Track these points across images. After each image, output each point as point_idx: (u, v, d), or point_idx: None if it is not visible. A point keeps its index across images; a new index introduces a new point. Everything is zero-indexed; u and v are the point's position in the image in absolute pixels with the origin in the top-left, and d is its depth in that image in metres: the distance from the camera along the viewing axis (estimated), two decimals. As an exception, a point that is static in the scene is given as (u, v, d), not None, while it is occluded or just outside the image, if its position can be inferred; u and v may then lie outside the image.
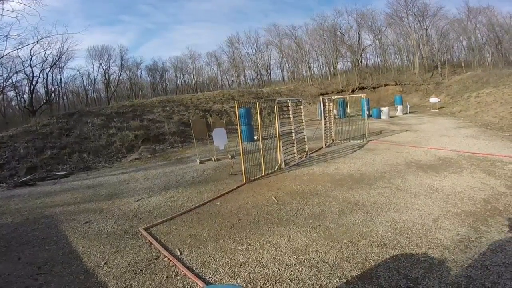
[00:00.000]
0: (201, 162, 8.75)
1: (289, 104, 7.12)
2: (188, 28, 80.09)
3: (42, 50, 29.47)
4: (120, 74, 41.26)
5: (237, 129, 11.96)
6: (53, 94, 33.32)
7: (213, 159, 8.80)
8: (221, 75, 47.67)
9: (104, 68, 39.74)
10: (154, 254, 3.45)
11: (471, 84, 22.13)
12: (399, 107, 20.25)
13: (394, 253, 2.97)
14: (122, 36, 75.27)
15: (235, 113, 19.03)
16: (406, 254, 2.95)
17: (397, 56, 37.72)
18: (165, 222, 4.36)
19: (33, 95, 30.14)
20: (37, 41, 23.64)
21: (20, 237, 4.43)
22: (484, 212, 3.75)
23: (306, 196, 5.00)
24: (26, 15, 16.94)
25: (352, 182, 5.46)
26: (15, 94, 30.63)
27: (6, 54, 22.26)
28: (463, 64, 32.44)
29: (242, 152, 6.00)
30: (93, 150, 12.58)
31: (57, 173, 10.26)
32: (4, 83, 27.31)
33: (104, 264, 3.35)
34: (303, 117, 7.69)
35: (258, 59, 45.11)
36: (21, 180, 9.11)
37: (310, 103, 27.21)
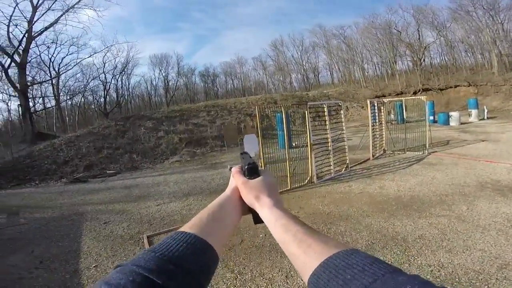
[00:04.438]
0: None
1: (325, 109, 6.20)
2: (236, 33, 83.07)
3: (113, 58, 34.00)
4: (177, 80, 44.75)
5: (276, 134, 11.39)
6: (122, 98, 38.12)
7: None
8: (267, 79, 47.70)
9: (163, 74, 43.72)
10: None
11: None
12: (474, 112, 16.83)
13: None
14: (179, 43, 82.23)
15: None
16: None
17: (469, 54, 31.92)
18: (168, 232, 4.04)
19: (106, 99, 34.87)
20: (107, 47, 27.32)
21: (47, 231, 4.67)
22: None
23: (332, 221, 4.11)
24: (91, 26, 19.50)
25: (397, 207, 4.32)
26: (92, 98, 35.64)
27: (81, 60, 26.34)
28: None
29: (263, 161, 5.37)
30: (142, 151, 13.52)
31: (107, 172, 11.26)
32: (84, 88, 32.40)
33: (94, 267, 3.25)
34: (343, 123, 6.64)
35: (304, 61, 43.79)
36: (76, 176, 10.18)
37: (363, 107, 24.89)
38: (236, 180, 0.56)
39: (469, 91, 25.04)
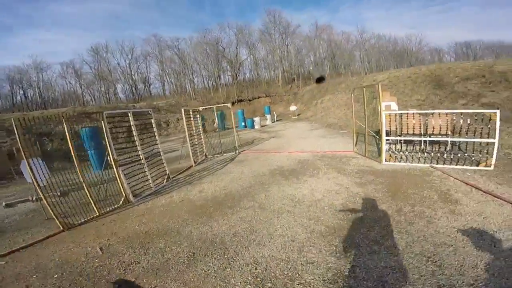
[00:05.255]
0: (7, 206, 5.66)
1: (130, 118, 5.31)
2: (42, 33, 62.21)
3: None
4: None
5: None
6: None
7: (30, 199, 5.75)
8: (82, 89, 38.93)
9: None
10: None
11: (317, 93, 27.07)
12: (268, 117, 22.27)
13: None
14: None
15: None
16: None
17: (267, 70, 42.74)
18: None
19: None
20: None
21: None
22: (347, 224, 3.36)
23: (150, 239, 3.47)
24: None
25: (214, 208, 4.30)
26: None
27: None
28: (311, 76, 40.41)
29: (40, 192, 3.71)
30: None
31: None
32: None
33: None
34: (155, 134, 6.04)
35: (133, 71, 39.97)
36: None
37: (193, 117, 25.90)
38: None
39: (266, 101, 33.02)
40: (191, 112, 8.48)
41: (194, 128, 8.59)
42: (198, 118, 9.17)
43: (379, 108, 5.71)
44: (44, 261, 3.28)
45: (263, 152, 8.71)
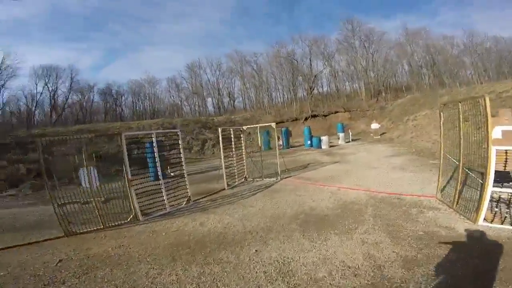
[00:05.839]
0: (59, 205, 7.03)
1: (153, 138, 5.70)
2: (156, 51, 79.18)
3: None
4: (68, 97, 38.18)
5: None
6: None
7: (79, 201, 6.96)
8: (181, 102, 46.29)
9: (50, 89, 36.56)
10: None
11: (409, 107, 22.89)
12: (341, 135, 20.02)
13: None
14: (84, 54, 71.78)
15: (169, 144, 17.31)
16: None
17: (348, 83, 39.49)
18: None
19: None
20: None
21: None
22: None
23: (102, 265, 3.64)
24: None
25: (189, 250, 3.88)
26: None
27: None
28: (404, 88, 34.51)
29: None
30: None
31: None
32: None
33: None
34: (181, 152, 6.28)
35: (220, 86, 44.84)
36: None
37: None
38: None
39: (345, 116, 30.24)
40: (231, 131, 8.47)
41: (234, 149, 8.53)
42: (242, 138, 9.09)
43: (487, 134, 3.72)
44: (8, 262, 3.90)
45: (308, 183, 7.66)
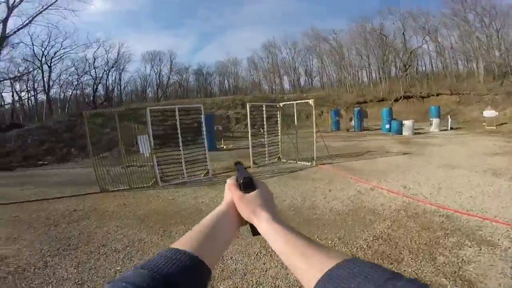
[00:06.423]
0: (123, 167, 8.65)
1: (176, 113, 6.18)
2: (240, 32, 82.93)
3: (105, 53, 35.10)
4: (169, 77, 45.46)
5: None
6: (113, 93, 39.19)
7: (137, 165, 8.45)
8: (259, 80, 47.59)
9: (155, 71, 44.50)
10: None
11: None
12: (435, 121, 16.01)
13: None
14: (183, 40, 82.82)
15: (236, 119, 18.39)
16: None
17: (459, 61, 30.53)
18: None
19: (96, 93, 35.99)
20: (97, 43, 28.16)
21: None
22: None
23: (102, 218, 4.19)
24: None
25: (155, 221, 4.17)
26: (81, 92, 36.94)
27: (64, 53, 27.44)
28: None
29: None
30: (82, 146, 13.86)
31: (38, 162, 11.77)
32: (77, 81, 33.72)
33: None
34: (203, 131, 6.59)
35: (297, 64, 43.36)
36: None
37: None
38: (232, 193, 0.54)
39: (450, 100, 23.98)
40: (264, 108, 8.16)
41: (265, 127, 8.22)
42: (278, 115, 8.66)
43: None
44: (42, 208, 5.01)
45: (343, 174, 6.49)
